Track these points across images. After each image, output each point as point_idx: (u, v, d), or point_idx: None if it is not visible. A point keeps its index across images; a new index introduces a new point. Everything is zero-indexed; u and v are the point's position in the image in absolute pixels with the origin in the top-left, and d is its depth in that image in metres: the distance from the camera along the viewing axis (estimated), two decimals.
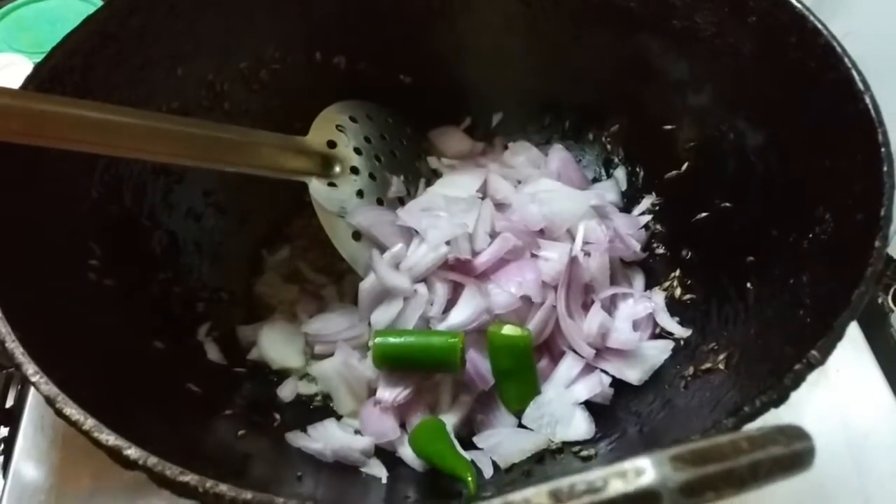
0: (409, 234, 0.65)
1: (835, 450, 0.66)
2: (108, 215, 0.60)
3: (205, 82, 0.68)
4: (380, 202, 0.68)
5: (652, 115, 0.71)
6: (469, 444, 0.59)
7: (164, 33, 0.63)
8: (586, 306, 0.65)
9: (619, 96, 0.74)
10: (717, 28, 0.62)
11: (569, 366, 0.63)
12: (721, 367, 0.56)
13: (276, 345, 0.67)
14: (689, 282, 0.68)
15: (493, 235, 0.65)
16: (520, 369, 0.60)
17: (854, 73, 0.51)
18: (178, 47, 0.64)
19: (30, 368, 0.41)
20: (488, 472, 0.57)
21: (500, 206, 0.69)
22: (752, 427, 0.40)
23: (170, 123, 0.55)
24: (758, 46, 0.60)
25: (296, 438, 0.59)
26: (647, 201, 0.74)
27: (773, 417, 0.37)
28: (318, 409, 0.65)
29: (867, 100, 0.50)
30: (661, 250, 0.72)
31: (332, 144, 0.67)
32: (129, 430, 0.38)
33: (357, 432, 0.61)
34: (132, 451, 0.37)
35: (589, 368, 0.63)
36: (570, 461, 0.58)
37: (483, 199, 0.69)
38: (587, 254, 0.65)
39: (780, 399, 0.41)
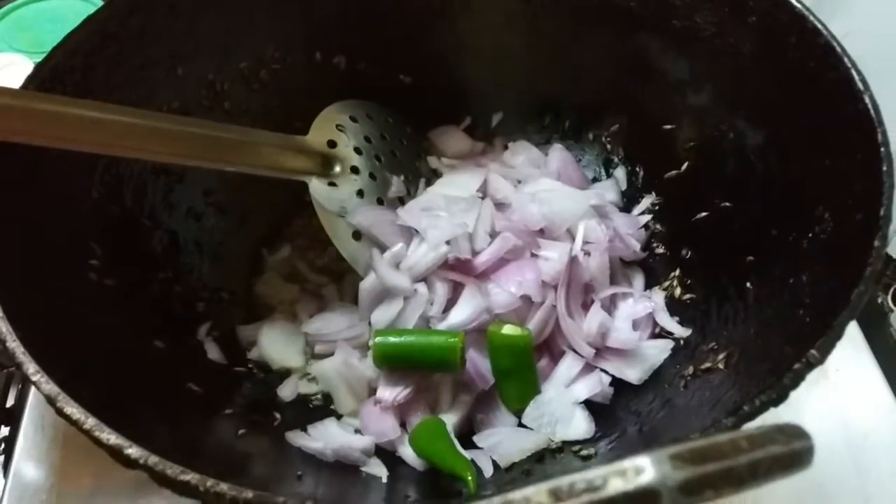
0: (410, 233, 0.65)
1: (834, 449, 0.66)
2: (109, 215, 0.60)
3: (205, 82, 0.68)
4: (380, 202, 0.68)
5: (652, 115, 0.71)
6: (469, 444, 0.59)
7: (164, 33, 0.63)
8: (586, 306, 0.65)
9: (619, 96, 0.74)
10: (717, 28, 0.62)
11: (569, 365, 0.63)
12: (721, 366, 0.56)
13: (276, 344, 0.67)
14: (688, 281, 0.68)
15: (493, 235, 0.65)
16: (520, 369, 0.60)
17: (854, 72, 0.51)
18: (179, 47, 0.64)
19: (31, 368, 0.41)
20: (488, 471, 0.58)
21: (500, 206, 0.70)
22: (751, 426, 0.40)
23: (170, 123, 0.56)
24: (758, 46, 0.60)
25: (296, 438, 0.59)
26: (646, 201, 0.74)
27: (773, 417, 0.37)
28: (318, 408, 0.65)
29: (867, 99, 0.50)
30: (660, 250, 0.72)
31: (332, 144, 0.67)
32: (129, 429, 0.38)
33: (357, 432, 0.61)
34: (133, 450, 0.37)
35: (589, 368, 0.63)
36: (570, 460, 0.58)
37: (483, 198, 0.69)
38: (587, 253, 0.65)
39: (779, 398, 0.41)
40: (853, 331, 0.73)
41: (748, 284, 0.58)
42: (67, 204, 0.56)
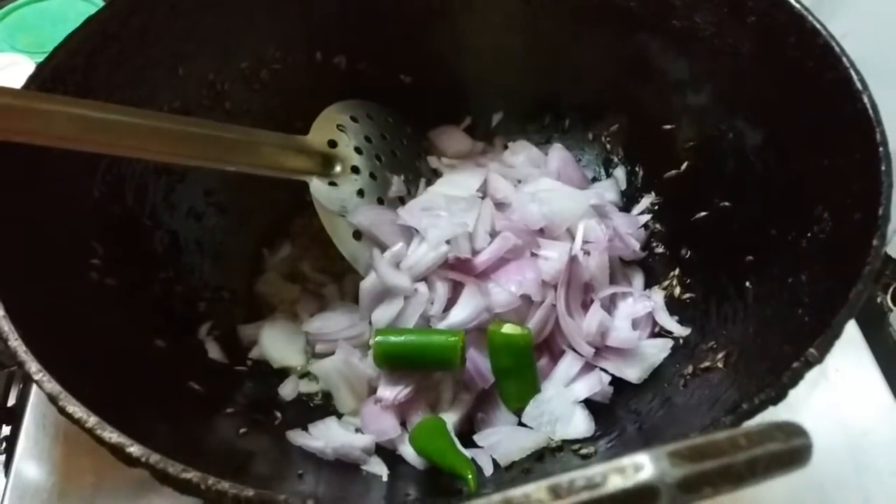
0: (410, 233, 0.66)
1: (834, 448, 0.66)
2: (110, 215, 0.60)
3: (206, 82, 0.68)
4: (380, 201, 0.68)
5: (651, 115, 0.71)
6: (469, 443, 0.60)
7: (165, 33, 0.63)
8: (586, 305, 0.65)
9: (619, 96, 0.74)
10: (717, 28, 0.62)
11: (568, 364, 0.63)
12: (720, 365, 0.56)
13: (277, 343, 0.67)
14: (688, 281, 0.68)
15: (493, 235, 0.65)
16: (520, 368, 0.60)
17: (852, 72, 0.51)
18: (180, 47, 0.65)
19: (33, 367, 0.41)
20: (488, 469, 0.58)
21: (500, 206, 0.70)
22: (750, 425, 0.40)
23: (171, 123, 0.56)
24: (757, 46, 0.60)
25: (297, 437, 0.59)
26: (646, 200, 0.74)
27: (773, 416, 0.37)
28: (318, 407, 0.65)
29: (865, 99, 0.50)
30: (660, 249, 0.73)
31: (332, 144, 0.67)
32: (131, 428, 0.39)
33: (358, 430, 0.62)
34: (135, 449, 0.38)
35: (588, 367, 0.64)
36: (570, 459, 0.58)
37: (483, 198, 0.69)
38: (587, 253, 0.66)
39: (778, 397, 0.41)
40: (852, 330, 0.73)
41: (747, 284, 0.58)
42: (69, 203, 0.57)
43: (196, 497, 0.37)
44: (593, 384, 0.62)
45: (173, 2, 0.62)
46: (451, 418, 0.60)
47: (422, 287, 0.63)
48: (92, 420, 0.39)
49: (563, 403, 0.61)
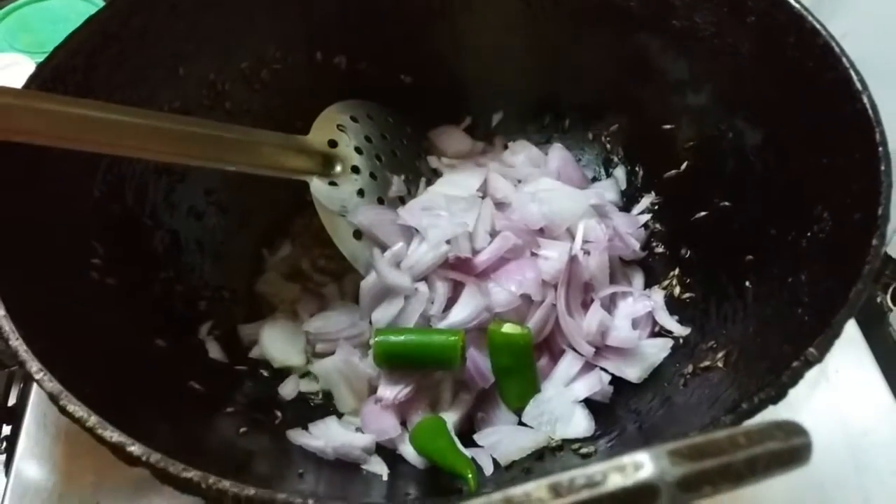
0: (410, 233, 0.66)
1: (834, 448, 0.66)
2: (111, 214, 0.61)
3: (206, 82, 0.68)
4: (380, 201, 0.68)
5: (651, 115, 0.71)
6: (469, 442, 0.60)
7: (165, 33, 0.63)
8: (586, 305, 0.65)
9: (619, 96, 0.74)
10: (716, 28, 0.62)
11: (568, 364, 0.63)
12: (720, 364, 0.56)
13: (277, 343, 0.67)
14: (688, 280, 0.68)
15: (494, 234, 0.65)
16: (520, 367, 0.60)
17: (852, 72, 0.51)
18: (180, 47, 0.65)
19: (33, 366, 0.41)
20: (489, 469, 0.58)
21: (500, 206, 0.70)
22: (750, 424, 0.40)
23: (171, 123, 0.56)
24: (756, 46, 0.60)
25: (297, 436, 0.59)
26: (646, 200, 0.74)
27: (773, 416, 0.37)
28: (319, 406, 0.65)
29: (865, 99, 0.50)
30: (660, 249, 0.73)
31: (332, 144, 0.67)
32: (131, 427, 0.39)
33: (358, 430, 0.62)
34: (135, 448, 0.38)
35: (588, 366, 0.64)
36: (570, 458, 0.58)
37: (483, 198, 0.69)
38: (587, 252, 0.66)
39: (778, 396, 0.41)
40: (852, 331, 0.73)
41: (747, 283, 0.58)
42: (69, 203, 0.57)
43: (197, 496, 0.37)
44: (593, 384, 0.62)
45: (174, 2, 0.62)
46: (451, 418, 0.60)
47: (422, 287, 0.63)
48: (93, 419, 0.39)
49: (563, 403, 0.61)
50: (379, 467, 0.58)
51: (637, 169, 0.76)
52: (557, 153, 0.76)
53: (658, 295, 0.68)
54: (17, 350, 0.42)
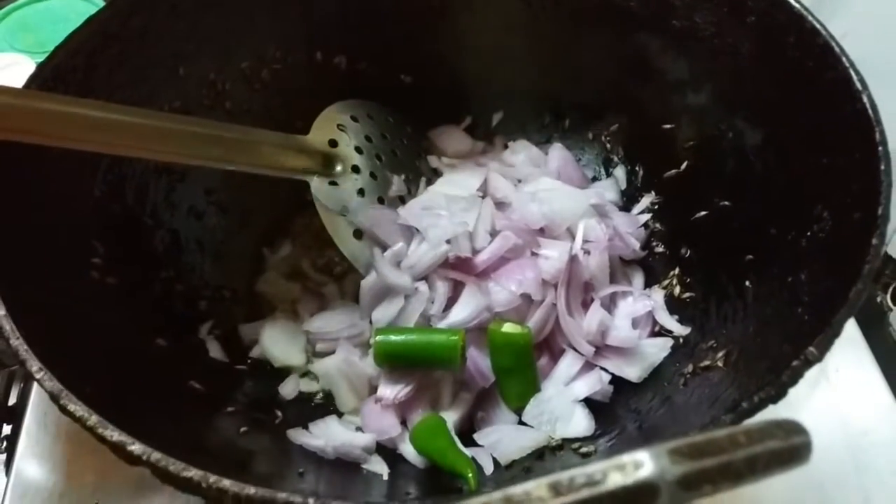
0: (410, 232, 0.66)
1: (834, 448, 0.66)
2: (111, 214, 0.61)
3: (206, 82, 0.68)
4: (381, 201, 0.69)
5: (651, 115, 0.71)
6: (470, 441, 0.60)
7: (165, 33, 0.63)
8: (586, 304, 0.65)
9: (619, 96, 0.74)
10: (717, 28, 0.62)
11: (569, 363, 0.63)
12: (720, 364, 0.56)
13: (277, 343, 0.67)
14: (688, 280, 0.68)
15: (494, 234, 0.65)
16: (520, 367, 0.60)
17: (852, 72, 0.51)
18: (180, 47, 0.65)
19: (34, 365, 0.41)
20: (489, 468, 0.58)
21: (500, 205, 0.70)
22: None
23: (172, 122, 0.56)
24: (756, 46, 0.60)
25: (297, 435, 0.59)
26: (646, 200, 0.74)
27: (773, 416, 0.37)
28: (319, 406, 0.66)
29: (865, 99, 0.50)
30: (660, 249, 0.73)
31: (333, 143, 0.67)
32: (132, 426, 0.39)
33: (358, 429, 0.62)
34: (136, 447, 0.38)
35: (589, 366, 0.64)
36: (570, 458, 0.58)
37: (483, 197, 0.69)
38: (587, 252, 0.66)
39: (778, 395, 0.41)
40: (853, 330, 0.73)
41: (747, 283, 0.58)
42: (70, 203, 0.57)
43: (197, 496, 0.37)
44: (593, 383, 0.62)
45: (174, 2, 0.63)
46: (451, 417, 0.60)
47: (422, 286, 0.63)
48: (93, 418, 0.39)
49: (563, 402, 0.61)
50: (379, 466, 0.59)
51: (637, 168, 0.76)
52: (557, 153, 0.76)
53: (658, 294, 0.69)
54: (17, 349, 0.42)
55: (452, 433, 0.58)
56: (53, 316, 0.48)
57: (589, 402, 0.62)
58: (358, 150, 0.69)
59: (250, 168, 0.61)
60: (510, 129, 0.81)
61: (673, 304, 0.68)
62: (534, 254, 0.65)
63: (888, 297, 0.81)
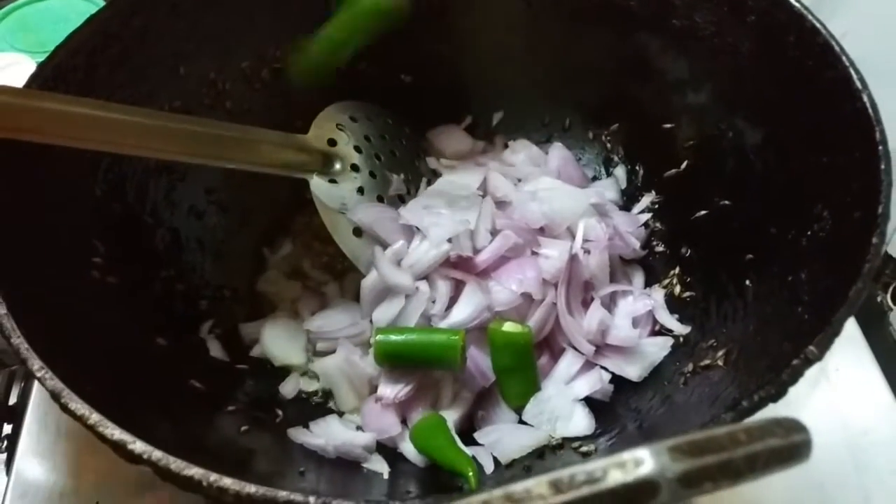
0: (410, 231, 0.66)
1: (834, 447, 0.66)
2: (112, 213, 0.61)
3: (207, 81, 0.68)
4: (380, 199, 0.69)
5: (651, 114, 0.71)
6: (470, 440, 0.60)
7: (166, 33, 0.63)
8: (586, 303, 0.65)
9: (619, 95, 0.74)
10: (717, 27, 0.62)
11: (569, 362, 0.63)
12: (720, 363, 0.56)
13: (278, 342, 0.67)
14: (688, 279, 0.68)
15: (494, 233, 0.66)
16: (520, 366, 0.60)
17: (852, 71, 0.51)
18: (180, 47, 0.65)
19: (35, 364, 0.41)
20: (489, 467, 0.58)
21: (500, 205, 0.70)
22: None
23: (172, 121, 0.56)
24: (756, 45, 0.60)
25: (298, 434, 0.59)
26: (646, 199, 0.74)
27: (773, 415, 0.37)
28: (319, 405, 0.66)
29: (865, 98, 0.50)
30: (660, 248, 0.73)
31: (332, 143, 0.67)
32: (133, 425, 0.39)
33: (359, 428, 0.62)
34: (137, 445, 0.38)
35: (589, 365, 0.64)
36: (571, 457, 0.58)
37: (484, 197, 0.69)
38: (587, 251, 0.66)
39: (777, 394, 0.41)
40: (853, 330, 0.73)
41: (747, 282, 0.59)
42: (70, 202, 0.57)
43: (198, 494, 0.37)
44: (593, 382, 0.62)
45: (174, 1, 0.63)
46: (451, 416, 0.60)
47: (423, 286, 0.63)
48: (94, 417, 0.39)
49: (563, 401, 0.61)
50: (380, 465, 0.59)
51: (637, 168, 0.76)
52: (558, 152, 0.76)
53: (658, 293, 0.69)
54: (18, 348, 0.42)
55: (453, 432, 0.58)
56: (54, 315, 0.48)
57: (589, 401, 0.62)
58: (357, 149, 0.69)
59: (250, 167, 0.61)
60: (510, 129, 0.81)
61: (673, 304, 0.68)
62: (534, 253, 0.65)
63: (888, 296, 0.81)
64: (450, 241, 0.63)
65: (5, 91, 0.47)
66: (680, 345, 0.64)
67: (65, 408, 0.40)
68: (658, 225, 0.74)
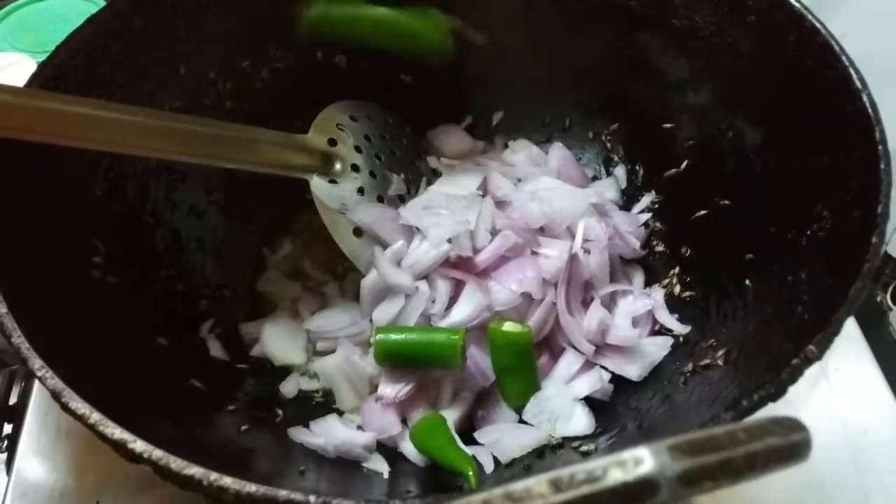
0: (410, 231, 0.66)
1: (834, 447, 0.66)
2: (112, 213, 0.61)
3: (207, 81, 0.68)
4: (380, 199, 0.69)
5: (651, 114, 0.71)
6: (470, 440, 0.60)
7: (166, 33, 0.63)
8: (586, 303, 0.65)
9: (619, 95, 0.74)
10: (717, 27, 0.62)
11: (569, 362, 0.63)
12: (720, 363, 0.56)
13: (278, 341, 0.67)
14: (688, 279, 0.68)
15: (494, 233, 0.66)
16: (520, 365, 0.61)
17: (851, 71, 0.51)
18: (181, 46, 0.65)
19: (36, 363, 0.41)
20: (489, 467, 0.58)
21: (500, 204, 0.70)
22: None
23: (172, 121, 0.56)
24: (757, 45, 0.60)
25: (298, 434, 0.60)
26: (646, 199, 0.74)
27: (773, 415, 0.37)
28: (320, 404, 0.66)
29: (865, 98, 0.50)
30: (660, 248, 0.73)
31: (332, 143, 0.67)
32: (133, 425, 0.39)
33: (359, 428, 0.62)
34: (138, 445, 0.38)
35: (589, 365, 0.64)
36: (571, 456, 0.58)
37: (483, 196, 0.69)
38: (587, 251, 0.66)
39: (777, 393, 0.41)
40: (853, 330, 0.73)
41: (747, 282, 0.59)
42: (70, 202, 0.57)
43: (198, 493, 0.37)
44: (593, 382, 0.62)
45: (175, 1, 0.63)
46: (451, 415, 0.60)
47: (423, 285, 0.63)
48: (95, 416, 0.39)
49: (563, 401, 0.61)
50: (380, 465, 0.59)
51: (637, 168, 0.76)
52: (558, 152, 0.76)
53: (658, 293, 0.69)
54: (19, 347, 0.42)
55: (453, 432, 0.58)
56: (55, 314, 0.48)
57: (589, 401, 0.62)
58: (357, 149, 0.69)
59: (250, 167, 0.61)
60: (510, 129, 0.81)
61: (673, 303, 0.68)
62: (534, 253, 0.65)
63: (888, 296, 0.81)
64: (450, 240, 0.63)
65: (5, 91, 0.47)
66: (680, 344, 0.64)
67: (65, 407, 0.40)
68: (658, 225, 0.74)
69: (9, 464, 0.66)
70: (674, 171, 0.71)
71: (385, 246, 0.65)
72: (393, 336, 0.60)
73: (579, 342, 0.63)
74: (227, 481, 0.36)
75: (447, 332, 0.60)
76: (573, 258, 0.64)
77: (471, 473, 0.52)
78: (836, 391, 0.70)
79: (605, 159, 0.79)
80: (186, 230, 0.68)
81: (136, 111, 0.53)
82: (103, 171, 0.60)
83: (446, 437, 0.57)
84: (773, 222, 0.57)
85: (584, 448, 0.58)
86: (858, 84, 0.51)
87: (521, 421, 0.61)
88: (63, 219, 0.55)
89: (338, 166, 0.67)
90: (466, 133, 0.81)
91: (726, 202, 0.65)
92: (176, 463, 0.37)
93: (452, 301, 0.63)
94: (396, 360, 0.61)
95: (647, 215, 0.74)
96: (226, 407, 0.59)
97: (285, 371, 0.67)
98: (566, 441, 0.60)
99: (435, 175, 0.76)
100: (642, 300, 0.67)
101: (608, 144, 0.78)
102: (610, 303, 0.67)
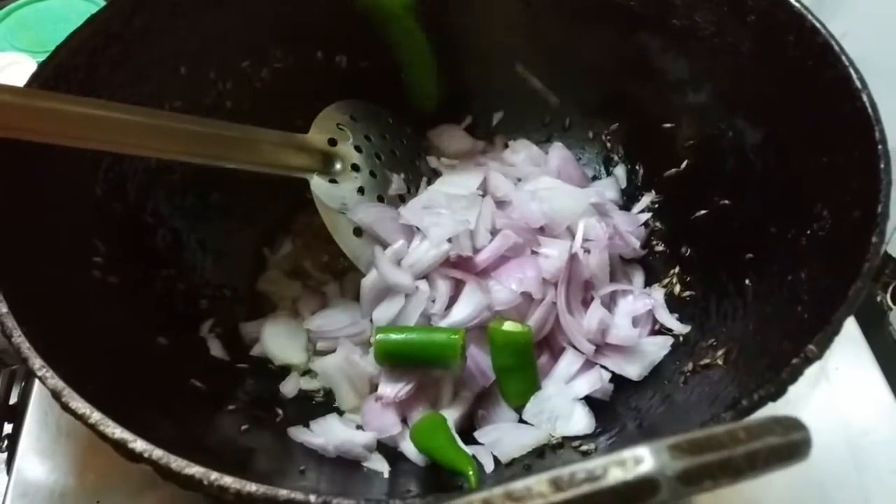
0: (410, 230, 0.66)
1: (833, 447, 0.66)
2: (112, 213, 0.61)
3: (207, 81, 0.68)
4: (380, 199, 0.69)
5: (651, 114, 0.71)
6: (470, 439, 0.60)
7: (166, 32, 0.63)
8: (586, 303, 0.65)
9: (619, 95, 0.74)
10: (717, 27, 0.62)
11: (569, 362, 0.63)
12: (720, 362, 0.56)
13: (278, 341, 0.67)
14: (688, 279, 0.68)
15: (494, 233, 0.66)
16: (520, 365, 0.61)
17: (851, 71, 0.52)
18: (181, 46, 0.65)
19: (36, 362, 0.41)
20: (489, 466, 0.58)
21: (500, 204, 0.70)
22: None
23: (172, 121, 0.56)
24: (757, 45, 0.60)
25: (298, 433, 0.60)
26: (646, 199, 0.74)
27: (773, 414, 0.37)
28: (320, 404, 0.66)
29: (864, 98, 0.50)
30: (660, 247, 0.73)
31: (332, 142, 0.68)
32: (133, 424, 0.39)
33: (359, 427, 0.62)
34: (138, 444, 0.38)
35: (589, 364, 0.64)
36: (571, 455, 0.58)
37: (483, 196, 0.69)
38: (587, 251, 0.66)
39: (777, 393, 0.41)
40: (853, 329, 0.73)
41: (747, 281, 0.59)
42: (71, 202, 0.57)
43: (199, 493, 0.37)
44: (594, 381, 0.62)
45: (175, 1, 0.63)
46: (451, 415, 0.60)
47: (423, 285, 0.63)
48: (95, 416, 0.39)
49: (563, 400, 0.61)
50: (380, 464, 0.59)
51: (637, 167, 0.76)
52: (558, 152, 0.76)
53: (658, 293, 0.69)
54: (19, 347, 0.42)
55: (453, 431, 0.58)
56: (55, 314, 0.48)
57: (589, 401, 0.62)
58: (357, 148, 0.69)
59: (251, 166, 0.61)
60: (510, 129, 0.81)
61: (673, 303, 0.68)
62: (534, 252, 0.65)
63: (888, 296, 0.81)
64: (450, 240, 0.63)
65: (5, 90, 0.47)
66: (680, 344, 0.64)
67: (66, 407, 0.40)
68: (658, 224, 0.74)
69: (9, 464, 0.66)
70: (674, 170, 0.71)
71: (385, 245, 0.65)
72: (393, 336, 0.60)
73: (579, 342, 0.63)
74: (228, 481, 0.36)
75: (447, 331, 0.60)
76: (573, 258, 0.64)
77: (471, 473, 0.52)
78: (836, 391, 0.70)
79: (605, 159, 0.79)
80: (187, 230, 0.68)
81: (136, 111, 0.53)
82: (104, 171, 0.60)
83: (446, 436, 0.57)
84: (773, 222, 0.57)
85: (584, 447, 0.58)
86: (858, 84, 0.51)
87: (522, 420, 0.61)
88: (63, 219, 0.55)
89: (338, 166, 0.67)
90: (466, 133, 0.81)
91: (726, 202, 0.65)
92: (176, 462, 0.37)
93: (452, 301, 0.63)
94: (396, 360, 0.61)
95: (647, 215, 0.74)
96: (226, 406, 0.59)
97: (285, 371, 0.67)
98: (566, 440, 0.60)
99: (435, 175, 0.76)
100: (642, 300, 0.67)
101: (608, 144, 0.78)
102: (610, 302, 0.67)
